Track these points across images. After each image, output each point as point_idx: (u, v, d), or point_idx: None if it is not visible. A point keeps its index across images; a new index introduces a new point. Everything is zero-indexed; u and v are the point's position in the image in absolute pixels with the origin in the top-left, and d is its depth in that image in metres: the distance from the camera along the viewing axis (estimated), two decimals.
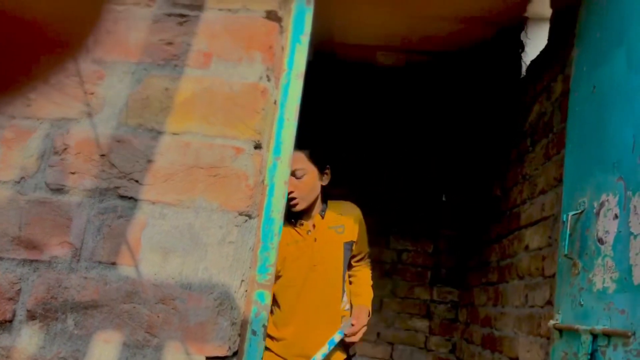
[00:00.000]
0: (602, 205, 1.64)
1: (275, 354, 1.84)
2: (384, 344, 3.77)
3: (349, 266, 2.15)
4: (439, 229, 3.91)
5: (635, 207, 1.46)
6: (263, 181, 1.20)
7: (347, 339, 1.84)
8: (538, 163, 2.55)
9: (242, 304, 1.13)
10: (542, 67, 2.61)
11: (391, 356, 3.74)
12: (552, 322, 1.82)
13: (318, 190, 1.84)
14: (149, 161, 1.14)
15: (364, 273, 2.11)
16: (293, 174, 1.71)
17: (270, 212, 1.18)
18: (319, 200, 1.89)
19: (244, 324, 1.13)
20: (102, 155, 1.15)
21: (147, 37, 1.19)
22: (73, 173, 1.14)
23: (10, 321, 1.08)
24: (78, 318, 1.08)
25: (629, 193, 1.50)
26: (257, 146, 1.16)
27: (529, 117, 2.78)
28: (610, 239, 1.55)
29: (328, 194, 1.96)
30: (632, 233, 1.43)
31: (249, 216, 1.14)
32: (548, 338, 2.06)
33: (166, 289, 1.08)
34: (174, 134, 1.15)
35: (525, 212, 2.62)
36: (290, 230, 1.83)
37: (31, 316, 1.09)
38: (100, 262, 1.10)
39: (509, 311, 2.67)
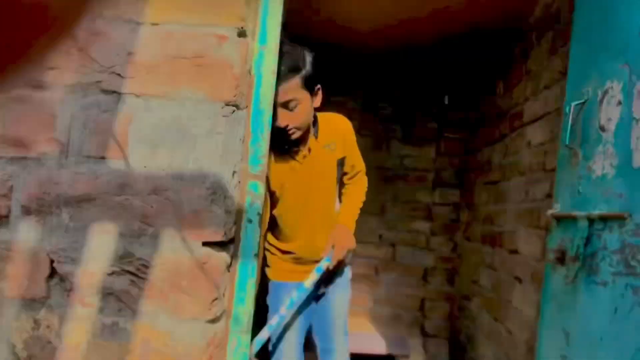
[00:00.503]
0: (605, 92, 1.59)
1: (285, 262, 1.91)
2: (386, 245, 3.88)
3: (341, 183, 2.13)
4: (441, 132, 3.87)
5: (639, 92, 1.41)
6: (250, 72, 1.16)
7: (331, 265, 1.86)
8: (543, 57, 2.46)
9: (236, 193, 1.13)
10: None
11: (393, 257, 3.86)
12: (550, 211, 1.84)
13: (312, 114, 1.76)
14: (129, 53, 1.10)
15: (352, 190, 2.07)
16: (286, 105, 1.60)
17: (259, 103, 1.15)
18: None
19: (239, 213, 1.14)
20: (80, 49, 1.10)
21: None
22: (52, 68, 1.10)
23: (7, 216, 1.10)
24: (72, 211, 1.09)
25: (634, 77, 1.45)
26: (242, 34, 1.10)
27: (535, 11, 2.64)
28: (612, 126, 1.52)
29: (321, 107, 1.88)
30: (634, 118, 1.40)
31: (237, 107, 1.11)
32: (547, 229, 2.09)
33: (157, 180, 1.08)
34: (154, 24, 1.10)
35: (529, 109, 2.57)
36: (285, 157, 1.78)
37: (26, 211, 1.10)
38: (89, 157, 1.10)
39: (509, 207, 2.70)
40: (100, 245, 1.08)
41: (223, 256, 1.09)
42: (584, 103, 1.71)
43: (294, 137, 1.69)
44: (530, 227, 2.34)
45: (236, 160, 1.13)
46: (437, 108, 3.90)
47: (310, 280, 1.79)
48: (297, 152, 1.79)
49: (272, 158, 1.73)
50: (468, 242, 3.48)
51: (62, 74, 1.11)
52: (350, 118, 3.92)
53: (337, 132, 1.92)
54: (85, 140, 1.10)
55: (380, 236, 3.89)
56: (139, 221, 1.08)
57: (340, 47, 3.71)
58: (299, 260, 1.89)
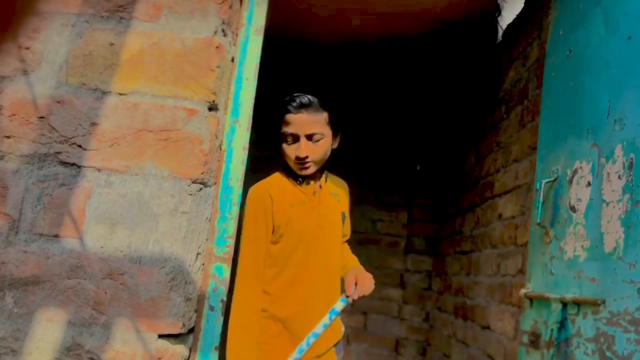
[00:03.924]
0: (575, 172, 1.60)
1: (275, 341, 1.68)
2: (357, 313, 3.76)
3: None
4: (413, 199, 3.88)
5: (608, 174, 1.41)
6: (220, 146, 1.11)
7: (355, 296, 1.74)
8: (513, 131, 2.50)
9: (198, 278, 1.05)
10: (518, 32, 2.54)
11: (364, 325, 3.75)
12: (523, 290, 1.80)
13: (328, 154, 1.74)
14: (93, 124, 1.04)
15: (349, 253, 2.04)
16: (310, 137, 1.61)
17: (229, 180, 1.10)
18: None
19: (200, 299, 1.06)
20: (41, 117, 1.04)
21: None
22: (8, 137, 1.03)
23: None
24: (17, 295, 0.99)
25: (602, 160, 1.45)
26: (212, 107, 1.06)
27: (504, 84, 2.72)
28: (582, 206, 1.51)
29: None
30: (604, 200, 1.39)
31: (204, 184, 1.05)
32: (519, 307, 2.05)
33: (114, 263, 0.99)
34: (121, 94, 1.05)
35: (499, 181, 2.59)
36: (294, 190, 1.71)
37: None
38: (41, 235, 1.01)
39: (481, 280, 2.66)
40: (45, 334, 0.98)
41: (180, 349, 0.99)
42: (554, 181, 1.72)
43: (308, 171, 1.66)
44: (503, 303, 2.29)
45: (201, 240, 1.06)
46: (409, 174, 3.92)
47: (321, 324, 1.63)
48: (307, 185, 1.74)
49: (279, 192, 1.66)
50: (440, 312, 3.41)
51: (18, 143, 1.03)
52: None
53: (341, 187, 1.92)
54: (38, 216, 1.01)
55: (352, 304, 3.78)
56: (91, 308, 0.98)
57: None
58: (289, 333, 1.68)
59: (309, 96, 1.61)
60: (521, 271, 2.12)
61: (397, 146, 3.96)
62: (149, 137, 1.03)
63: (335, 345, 1.80)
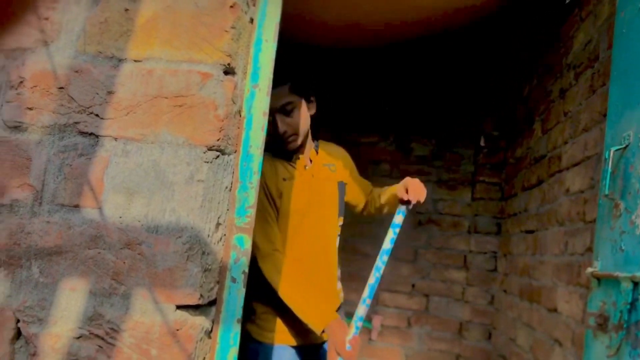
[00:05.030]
0: None
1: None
2: (419, 295, 3.65)
3: (364, 207, 2.04)
4: (477, 176, 3.68)
5: None
6: (240, 113, 1.06)
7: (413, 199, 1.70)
8: (582, 98, 2.29)
9: (218, 249, 1.01)
10: None
11: (427, 308, 3.63)
12: (590, 269, 1.64)
13: (309, 121, 1.72)
14: (110, 92, 1.02)
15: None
16: (282, 110, 1.62)
17: (249, 148, 1.05)
18: (310, 135, 1.77)
19: (222, 271, 1.02)
20: (60, 88, 1.03)
21: None
22: (30, 109, 1.04)
23: None
24: (43, 265, 1.00)
25: None
26: (228, 71, 1.01)
27: (573, 47, 2.49)
28: None
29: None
30: None
31: (222, 151, 1.01)
32: (588, 287, 1.88)
33: (132, 233, 0.97)
34: (136, 60, 1.02)
35: (567, 153, 2.38)
36: (285, 165, 1.71)
37: None
38: (62, 205, 1.01)
39: (547, 260, 2.47)
40: (69, 304, 0.98)
41: (200, 321, 0.96)
42: (624, 148, 1.54)
43: (293, 145, 1.67)
44: (571, 284, 2.11)
45: (221, 210, 1.02)
46: (472, 150, 3.72)
47: (387, 241, 1.64)
48: (297, 159, 1.72)
49: (269, 166, 1.65)
50: (505, 294, 3.23)
51: (40, 114, 1.04)
52: (381, 159, 3.82)
53: (336, 156, 1.89)
54: (59, 187, 1.01)
55: (413, 285, 3.68)
56: (111, 278, 0.97)
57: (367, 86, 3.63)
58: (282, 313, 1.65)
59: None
60: (590, 249, 1.94)
61: (460, 122, 3.77)
62: (164, 103, 0.99)
63: (337, 310, 1.75)
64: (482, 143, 3.73)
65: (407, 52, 3.16)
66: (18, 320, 0.99)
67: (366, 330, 3.54)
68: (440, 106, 3.79)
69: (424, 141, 3.80)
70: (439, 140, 3.78)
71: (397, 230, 1.70)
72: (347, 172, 1.92)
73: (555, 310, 2.27)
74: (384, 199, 1.91)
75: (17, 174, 1.02)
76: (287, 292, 1.54)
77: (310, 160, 1.76)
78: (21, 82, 1.05)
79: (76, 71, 1.03)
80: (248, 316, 1.65)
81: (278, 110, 1.61)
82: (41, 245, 1.00)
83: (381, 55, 3.21)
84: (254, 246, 1.55)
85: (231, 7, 1.00)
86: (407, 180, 1.77)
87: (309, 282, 1.62)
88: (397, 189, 1.77)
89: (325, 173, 1.79)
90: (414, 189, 1.70)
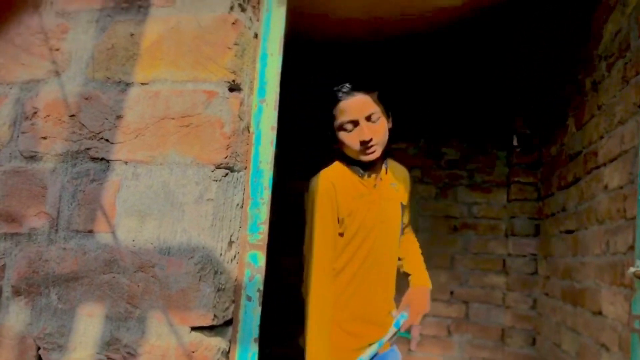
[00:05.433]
0: None
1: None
2: (458, 302, 3.56)
3: None
4: (512, 177, 3.58)
5: None
6: (248, 129, 1.05)
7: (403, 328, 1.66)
8: (615, 89, 2.19)
9: (232, 267, 1.00)
10: None
11: (466, 315, 3.53)
12: (632, 269, 1.55)
13: (387, 136, 1.64)
14: (118, 117, 1.03)
15: (414, 245, 1.92)
16: (369, 118, 1.53)
17: (259, 163, 1.03)
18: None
19: (237, 290, 1.01)
20: (72, 115, 1.05)
21: None
22: (44, 138, 1.05)
23: None
24: (61, 291, 1.01)
25: None
26: (233, 88, 1.00)
27: (603, 38, 2.39)
28: None
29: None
30: None
31: (230, 169, 1.00)
32: (632, 288, 1.78)
33: (144, 256, 0.97)
34: (142, 83, 1.03)
35: (603, 148, 2.28)
36: (354, 182, 1.63)
37: (16, 292, 1.03)
38: (77, 231, 1.02)
39: (589, 260, 2.36)
40: (87, 329, 0.98)
41: (216, 342, 0.95)
42: None
43: (374, 155, 1.57)
44: (614, 285, 2.01)
45: (233, 228, 1.01)
46: (505, 150, 3.63)
47: (368, 351, 1.58)
48: (368, 177, 1.65)
49: (343, 181, 1.60)
50: (548, 298, 3.11)
51: (53, 143, 1.05)
52: (411, 165, 3.77)
53: (399, 176, 1.81)
54: (73, 213, 1.02)
55: (451, 292, 3.59)
56: (126, 302, 0.97)
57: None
58: (346, 334, 1.62)
59: (355, 80, 1.54)
60: (632, 248, 1.84)
61: (490, 124, 3.68)
62: (171, 124, 0.99)
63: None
64: (514, 143, 3.62)
65: (433, 52, 3.11)
66: (39, 348, 1.00)
67: (405, 340, 3.47)
68: (470, 108, 3.71)
69: (454, 144, 3.72)
70: (470, 143, 3.70)
71: (396, 330, 1.64)
72: (407, 195, 1.83)
73: (600, 313, 2.16)
74: (403, 265, 1.85)
75: (34, 202, 1.04)
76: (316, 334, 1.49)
77: (380, 179, 1.68)
78: (35, 112, 1.07)
79: (86, 98, 1.05)
80: None
81: (365, 118, 1.54)
82: (58, 272, 1.01)
83: (406, 57, 3.17)
84: (306, 264, 1.52)
85: (233, 23, 1.00)
86: (413, 296, 1.71)
87: (362, 303, 1.59)
88: (403, 301, 1.71)
89: (391, 193, 1.72)
90: (416, 311, 1.67)
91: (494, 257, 3.55)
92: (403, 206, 1.77)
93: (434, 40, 2.93)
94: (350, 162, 1.62)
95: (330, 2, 2.32)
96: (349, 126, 1.55)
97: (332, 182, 1.58)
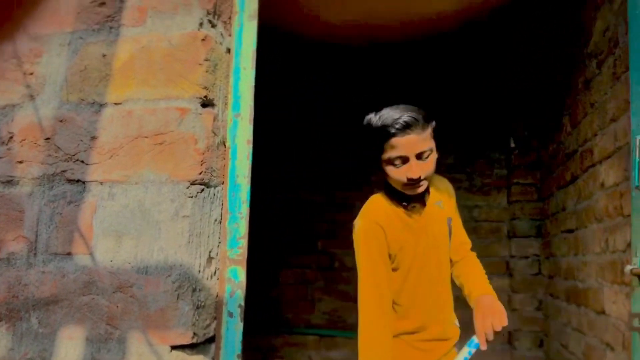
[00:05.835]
0: None
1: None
2: (463, 306, 3.52)
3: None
4: (511, 179, 3.56)
5: None
6: (224, 143, 1.04)
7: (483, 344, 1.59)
8: (606, 87, 2.17)
9: (212, 284, 0.99)
10: None
11: (472, 319, 3.49)
12: (629, 267, 1.53)
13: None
14: (93, 138, 1.03)
15: (474, 263, 1.84)
16: (420, 156, 1.45)
17: (236, 178, 1.03)
18: None
19: (218, 306, 1.00)
20: (47, 138, 1.05)
21: (79, 0, 1.07)
22: (21, 162, 1.06)
23: None
24: (41, 315, 1.00)
25: None
26: (206, 103, 1.00)
27: (593, 36, 2.38)
28: None
29: None
30: None
31: (206, 184, 0.99)
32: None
33: (122, 276, 0.96)
34: (116, 103, 1.03)
35: (598, 146, 2.26)
36: (400, 215, 1.57)
37: None
38: (56, 254, 1.01)
39: (589, 259, 2.34)
40: (68, 352, 0.98)
41: None
42: None
43: (419, 190, 1.49)
44: (615, 284, 1.98)
45: (212, 244, 1.00)
46: (503, 153, 3.61)
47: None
48: (412, 208, 1.57)
49: (388, 217, 1.54)
50: (552, 298, 3.07)
51: (29, 167, 1.05)
52: None
53: (441, 189, 1.72)
54: (52, 236, 1.02)
55: (457, 297, 3.55)
56: (106, 323, 0.96)
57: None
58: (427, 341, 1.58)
59: (413, 114, 1.45)
60: (630, 245, 1.82)
61: (487, 127, 3.66)
62: (145, 143, 0.99)
63: (455, 344, 1.66)
64: (511, 144, 3.61)
65: (426, 57, 3.11)
66: None
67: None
68: (466, 112, 3.69)
69: (451, 149, 3.71)
70: (468, 147, 3.68)
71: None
72: (452, 205, 1.74)
73: (603, 312, 2.13)
74: (458, 281, 1.77)
75: (12, 227, 1.04)
76: None
77: (424, 206, 1.60)
78: (11, 137, 1.07)
79: (61, 120, 1.05)
80: None
81: (416, 156, 1.45)
82: (38, 296, 1.00)
83: (400, 61, 3.17)
84: (367, 317, 1.48)
85: (203, 40, 1.00)
86: (487, 308, 1.60)
87: (426, 322, 1.56)
88: (474, 314, 1.59)
89: (437, 213, 1.64)
90: (497, 322, 1.54)
91: (497, 259, 3.52)
92: (450, 220, 1.71)
93: (430, 45, 2.93)
94: (393, 191, 1.57)
95: (330, 6, 2.32)
96: (398, 162, 1.49)
97: (376, 222, 1.53)
